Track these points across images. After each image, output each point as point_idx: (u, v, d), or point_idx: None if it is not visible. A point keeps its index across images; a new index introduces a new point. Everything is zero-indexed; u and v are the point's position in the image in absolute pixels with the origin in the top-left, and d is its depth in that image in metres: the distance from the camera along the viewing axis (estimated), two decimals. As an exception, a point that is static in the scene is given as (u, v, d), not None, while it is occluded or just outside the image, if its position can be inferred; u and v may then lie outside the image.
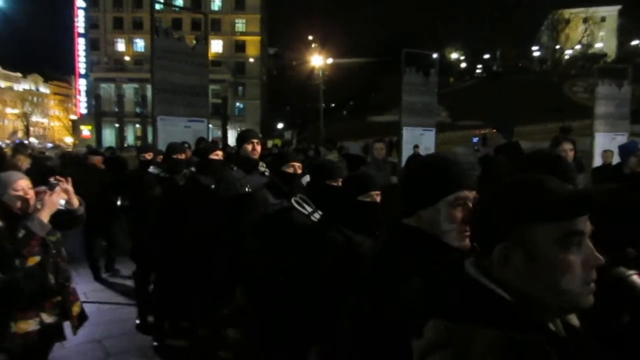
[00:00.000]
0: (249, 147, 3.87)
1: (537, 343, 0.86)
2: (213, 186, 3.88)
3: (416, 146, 10.70)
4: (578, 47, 72.52)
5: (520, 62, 75.59)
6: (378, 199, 2.54)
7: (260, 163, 3.95)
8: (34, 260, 2.78)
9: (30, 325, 2.81)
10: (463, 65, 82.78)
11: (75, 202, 3.05)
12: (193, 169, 4.72)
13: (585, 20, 72.11)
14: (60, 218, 2.95)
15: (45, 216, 2.78)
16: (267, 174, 3.87)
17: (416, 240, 1.34)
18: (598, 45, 73.24)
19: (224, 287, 3.81)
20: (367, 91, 72.27)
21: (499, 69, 77.64)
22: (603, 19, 75.05)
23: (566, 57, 72.98)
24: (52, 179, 2.93)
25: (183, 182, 4.40)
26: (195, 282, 3.95)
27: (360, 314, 1.34)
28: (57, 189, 2.89)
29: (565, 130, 11.17)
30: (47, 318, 2.89)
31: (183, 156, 4.73)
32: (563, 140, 3.77)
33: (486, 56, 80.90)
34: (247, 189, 3.54)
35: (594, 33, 72.77)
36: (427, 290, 1.00)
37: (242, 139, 3.98)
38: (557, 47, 72.34)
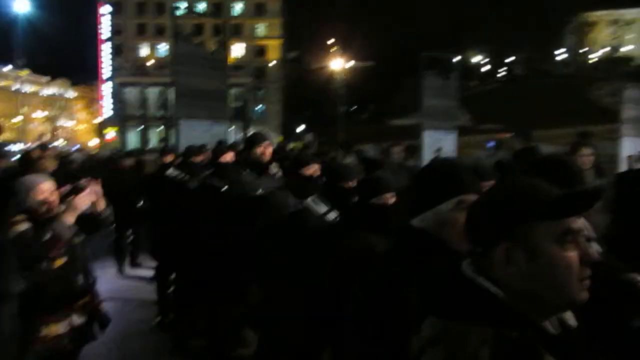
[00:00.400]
0: (259, 150, 3.90)
1: (529, 340, 0.88)
2: (225, 188, 3.91)
3: (438, 150, 10.57)
4: (604, 50, 71.11)
5: (545, 65, 74.47)
6: (391, 201, 2.54)
7: (272, 165, 3.98)
8: (60, 262, 2.79)
9: (60, 328, 2.79)
10: (485, 68, 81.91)
11: (102, 204, 3.04)
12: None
13: (612, 23, 70.71)
14: (86, 221, 2.94)
15: (70, 219, 2.77)
16: (278, 176, 3.89)
17: (420, 242, 1.36)
18: (625, 48, 71.66)
19: (238, 287, 3.84)
20: (387, 94, 72.09)
21: (522, 72, 76.63)
22: (631, 22, 73.40)
23: (592, 60, 71.65)
24: (83, 181, 2.92)
25: (196, 185, 4.43)
26: (210, 283, 3.99)
27: (365, 313, 1.36)
28: (87, 190, 2.87)
29: (584, 135, 10.96)
30: (77, 320, 2.88)
31: (200, 158, 4.78)
32: (582, 146, 3.73)
33: (509, 59, 79.92)
34: (259, 192, 3.57)
35: (621, 36, 71.30)
36: (426, 290, 1.02)
37: (251, 142, 4.01)
38: (583, 50, 71.10)
